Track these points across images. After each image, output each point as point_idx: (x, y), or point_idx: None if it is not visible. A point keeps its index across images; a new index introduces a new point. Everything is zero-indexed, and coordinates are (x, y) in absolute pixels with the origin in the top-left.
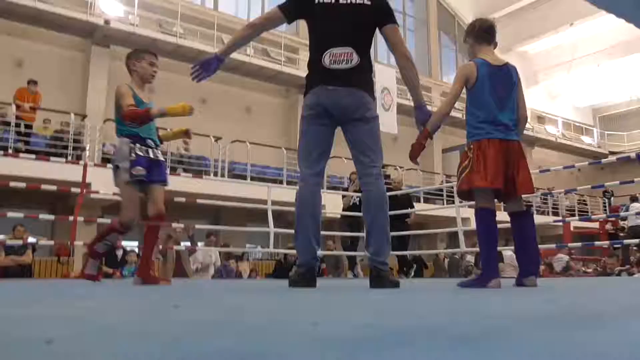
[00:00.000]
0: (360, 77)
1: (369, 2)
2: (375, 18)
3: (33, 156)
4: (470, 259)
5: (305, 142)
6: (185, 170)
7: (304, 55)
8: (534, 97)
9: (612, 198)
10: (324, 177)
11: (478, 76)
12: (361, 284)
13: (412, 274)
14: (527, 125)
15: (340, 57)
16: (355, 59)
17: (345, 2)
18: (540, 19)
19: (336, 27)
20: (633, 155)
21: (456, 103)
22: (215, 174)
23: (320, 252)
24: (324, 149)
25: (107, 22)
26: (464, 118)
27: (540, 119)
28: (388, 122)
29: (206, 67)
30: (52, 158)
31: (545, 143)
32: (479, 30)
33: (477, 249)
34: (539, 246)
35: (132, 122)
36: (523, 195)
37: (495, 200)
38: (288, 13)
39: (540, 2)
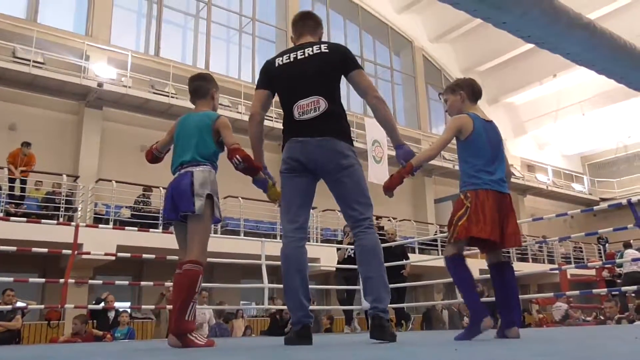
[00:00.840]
0: (330, 124)
1: (327, 50)
2: (338, 66)
3: (24, 219)
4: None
5: (283, 196)
6: None
7: None
8: (523, 147)
9: (607, 244)
10: (307, 230)
11: (474, 127)
12: (358, 339)
13: (410, 326)
14: (518, 174)
15: (307, 107)
16: (323, 105)
17: (303, 56)
18: (524, 72)
19: (300, 81)
20: (624, 201)
21: (447, 154)
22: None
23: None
24: (303, 201)
25: (100, 84)
26: (455, 168)
27: (530, 167)
28: (380, 174)
29: (261, 184)
30: (43, 220)
31: (536, 191)
32: (476, 88)
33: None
34: (537, 295)
35: (241, 165)
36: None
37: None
38: (267, 86)
39: (522, 55)
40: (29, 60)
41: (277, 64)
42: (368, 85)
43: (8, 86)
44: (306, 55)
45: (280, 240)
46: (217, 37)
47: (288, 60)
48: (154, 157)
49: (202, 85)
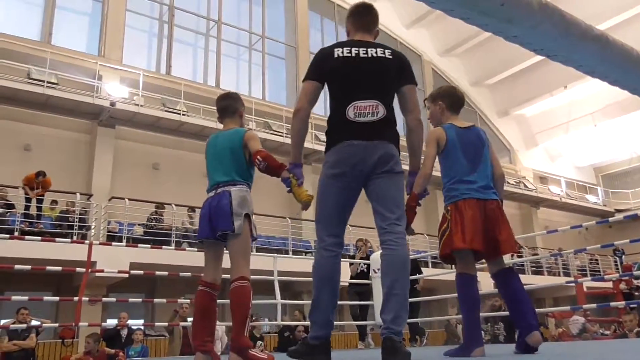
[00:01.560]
0: (388, 130)
1: (390, 57)
2: (398, 75)
3: (38, 238)
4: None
5: (325, 204)
6: (190, 245)
7: None
8: (535, 159)
9: (623, 256)
10: (344, 245)
11: (447, 139)
12: (373, 356)
13: (425, 341)
14: (530, 186)
15: (365, 109)
16: (382, 111)
17: (365, 55)
18: (535, 83)
19: (359, 79)
20: None
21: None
22: None
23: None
24: (346, 212)
25: (112, 104)
26: None
27: (543, 179)
28: None
29: (287, 183)
30: (57, 239)
31: (550, 203)
32: (457, 98)
33: (492, 313)
34: (553, 308)
35: (262, 165)
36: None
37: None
38: (319, 78)
39: (532, 67)
40: (43, 81)
41: (336, 55)
42: (416, 104)
43: (23, 107)
44: (369, 55)
45: (293, 256)
46: (227, 55)
47: (349, 55)
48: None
49: (230, 104)
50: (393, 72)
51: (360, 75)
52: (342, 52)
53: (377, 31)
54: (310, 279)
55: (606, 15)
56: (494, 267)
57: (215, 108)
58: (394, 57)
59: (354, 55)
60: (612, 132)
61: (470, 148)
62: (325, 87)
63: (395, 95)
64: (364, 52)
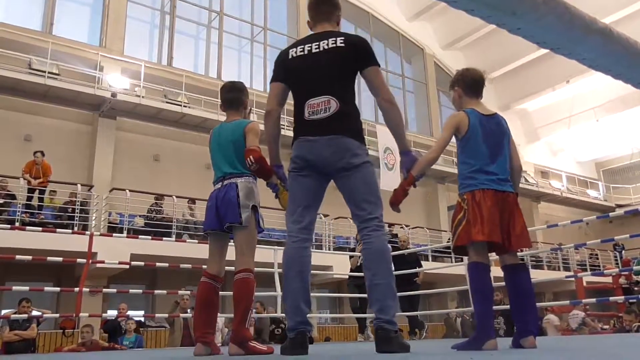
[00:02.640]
0: (341, 123)
1: (342, 45)
2: (354, 62)
3: (39, 229)
4: None
5: (291, 198)
6: (190, 237)
7: None
8: (536, 153)
9: (623, 251)
10: (312, 231)
11: (469, 125)
12: (364, 348)
13: (425, 334)
14: (531, 180)
15: (317, 107)
16: (334, 106)
17: (317, 49)
18: (537, 78)
19: (312, 78)
20: None
21: (457, 160)
22: None
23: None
24: (309, 202)
25: (114, 95)
26: None
27: (544, 174)
28: (392, 181)
29: (273, 188)
30: (58, 229)
31: (550, 198)
32: (471, 80)
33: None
34: (553, 302)
35: (253, 167)
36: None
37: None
38: (282, 79)
39: (535, 62)
40: (44, 72)
41: (290, 56)
42: (380, 85)
43: (24, 97)
44: (321, 49)
45: None
46: (229, 47)
47: (302, 53)
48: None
49: (237, 98)
50: (348, 61)
51: (312, 73)
52: (296, 52)
53: (339, 16)
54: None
55: (610, 9)
56: (507, 260)
57: (216, 100)
58: (347, 44)
59: (306, 52)
60: (614, 127)
61: (492, 137)
62: None
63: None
64: (317, 46)
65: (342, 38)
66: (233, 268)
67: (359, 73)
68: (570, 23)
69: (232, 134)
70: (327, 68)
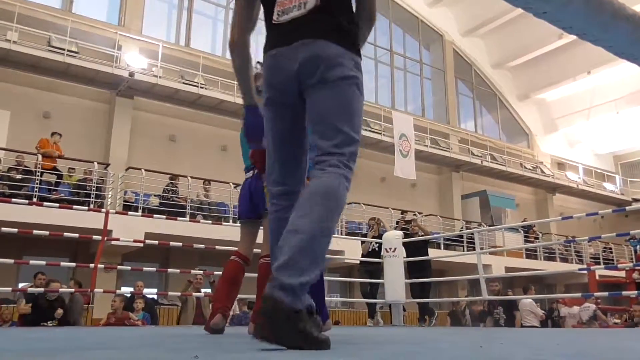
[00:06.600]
0: (322, 22)
1: None
2: None
3: (56, 205)
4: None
5: (268, 146)
6: (204, 217)
7: None
8: (554, 144)
9: (638, 246)
10: (297, 195)
11: None
12: (379, 333)
13: (434, 321)
14: (547, 172)
15: (290, 3)
16: (312, 0)
17: None
18: (557, 68)
19: None
20: None
21: (475, 150)
22: (235, 220)
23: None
24: (289, 151)
25: (131, 74)
26: (482, 164)
27: (561, 165)
28: (407, 168)
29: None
30: (74, 206)
31: (566, 190)
32: None
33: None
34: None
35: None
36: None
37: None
38: None
39: (556, 51)
40: (64, 50)
41: None
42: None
43: (43, 74)
44: None
45: None
46: None
47: None
48: None
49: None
50: None
51: None
52: None
53: None
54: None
55: None
56: None
57: (233, 82)
58: None
59: None
60: (634, 120)
61: None
62: None
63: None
64: None
65: None
66: (233, 248)
67: None
68: (599, 8)
69: None
70: None
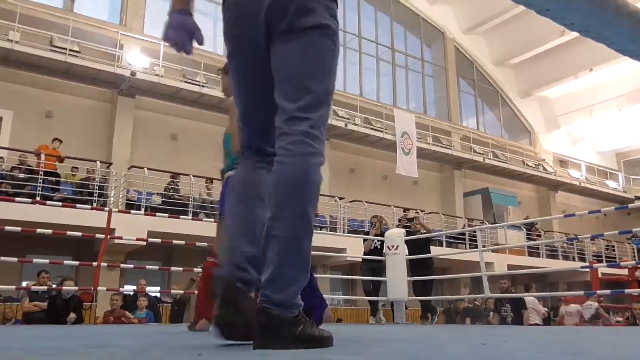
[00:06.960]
0: None
1: None
2: None
3: (59, 204)
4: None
5: (236, 105)
6: (207, 215)
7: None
8: (556, 141)
9: None
10: (271, 153)
11: None
12: (381, 331)
13: (436, 319)
14: (550, 169)
15: None
16: None
17: None
18: (559, 65)
19: None
20: None
21: (477, 147)
22: None
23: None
24: (254, 104)
25: (133, 73)
26: (484, 162)
27: (563, 163)
28: (408, 166)
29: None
30: (78, 205)
31: (568, 187)
32: None
33: (499, 295)
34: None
35: None
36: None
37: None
38: None
39: (558, 48)
40: (66, 49)
41: None
42: None
43: (45, 74)
44: None
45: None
46: None
47: None
48: None
49: None
50: None
51: None
52: None
53: None
54: (322, 253)
55: None
56: None
57: None
58: None
59: None
60: (637, 118)
61: None
62: None
63: None
64: None
65: None
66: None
67: None
68: (601, 5)
69: None
70: None
